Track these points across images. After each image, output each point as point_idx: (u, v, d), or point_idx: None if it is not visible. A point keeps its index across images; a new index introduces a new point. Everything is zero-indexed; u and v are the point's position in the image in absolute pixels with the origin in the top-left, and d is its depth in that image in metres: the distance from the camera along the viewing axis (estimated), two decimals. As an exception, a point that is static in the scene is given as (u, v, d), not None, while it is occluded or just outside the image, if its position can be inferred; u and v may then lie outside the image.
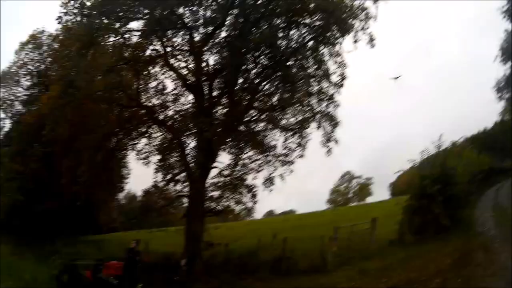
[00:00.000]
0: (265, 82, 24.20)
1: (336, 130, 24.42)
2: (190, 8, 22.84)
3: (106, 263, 15.99)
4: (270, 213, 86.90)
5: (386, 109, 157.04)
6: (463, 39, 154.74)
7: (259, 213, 60.89)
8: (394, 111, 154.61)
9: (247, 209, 26.21)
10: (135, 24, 22.57)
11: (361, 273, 15.65)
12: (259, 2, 22.90)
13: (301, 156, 25.44)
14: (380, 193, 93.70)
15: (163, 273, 18.33)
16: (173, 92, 25.43)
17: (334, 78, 24.00)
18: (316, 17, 22.40)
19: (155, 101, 25.59)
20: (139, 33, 22.73)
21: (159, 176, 24.66)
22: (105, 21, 21.05)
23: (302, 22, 22.96)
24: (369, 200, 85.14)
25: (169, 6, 21.53)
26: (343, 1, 22.38)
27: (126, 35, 22.79)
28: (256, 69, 24.03)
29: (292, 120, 25.83)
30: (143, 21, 22.23)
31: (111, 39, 22.43)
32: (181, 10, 22.84)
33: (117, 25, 21.73)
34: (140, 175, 27.71)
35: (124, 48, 23.05)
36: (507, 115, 43.55)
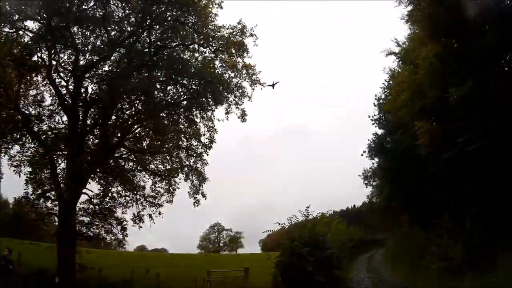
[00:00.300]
0: (136, 126, 24.82)
1: (204, 185, 25.55)
2: (83, 30, 23.05)
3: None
4: (142, 248, 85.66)
5: (259, 175, 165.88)
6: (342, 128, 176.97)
7: (131, 245, 60.36)
8: (268, 178, 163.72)
9: (118, 240, 25.64)
10: (31, 24, 22.09)
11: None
12: (145, 50, 23.98)
13: (169, 201, 25.99)
14: (250, 248, 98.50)
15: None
16: (50, 107, 24.48)
17: (204, 139, 25.41)
18: (194, 81, 23.89)
19: (32, 110, 24.42)
20: (31, 34, 22.16)
21: (30, 188, 23.24)
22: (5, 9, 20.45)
23: (180, 81, 24.30)
24: (241, 251, 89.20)
25: (65, 20, 21.57)
26: (223, 76, 24.14)
27: (20, 32, 22.14)
28: (130, 111, 24.63)
29: (161, 167, 26.64)
30: (39, 24, 21.91)
31: (6, 29, 21.64)
32: (75, 29, 22.96)
33: (16, 17, 21.11)
34: (14, 182, 25.12)
35: (15, 45, 22.06)
36: (374, 199, 50.74)
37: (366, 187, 47.99)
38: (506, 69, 18.42)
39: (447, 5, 17.76)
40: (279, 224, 24.48)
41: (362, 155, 37.46)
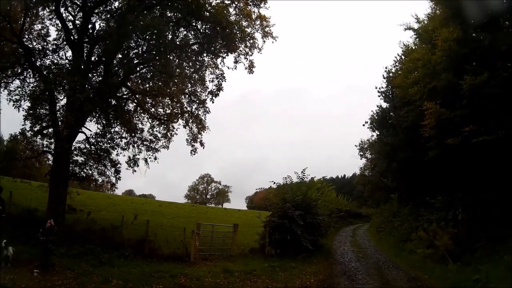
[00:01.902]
0: (142, 66, 23.94)
1: (202, 134, 25.12)
2: None
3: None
4: (129, 192, 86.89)
5: (256, 132, 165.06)
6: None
7: (119, 189, 60.55)
8: (263, 136, 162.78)
9: (110, 183, 25.12)
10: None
11: (225, 272, 16.45)
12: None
13: (166, 146, 25.61)
14: (236, 204, 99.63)
15: (28, 230, 17.19)
16: (55, 42, 23.52)
17: (211, 86, 24.74)
18: (207, 26, 23.06)
19: (36, 44, 23.42)
20: None
21: (28, 124, 22.95)
22: None
23: (194, 24, 23.47)
24: (227, 206, 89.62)
25: None
26: (239, 23, 23.19)
27: None
28: (137, 50, 23.55)
29: (161, 111, 26.22)
30: None
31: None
32: None
33: None
34: (12, 119, 24.78)
35: None
36: (367, 172, 50.27)
37: (361, 159, 48.16)
38: None
39: None
40: (274, 182, 24.50)
41: (363, 125, 37.11)
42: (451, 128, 18.27)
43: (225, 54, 23.86)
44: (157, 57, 22.50)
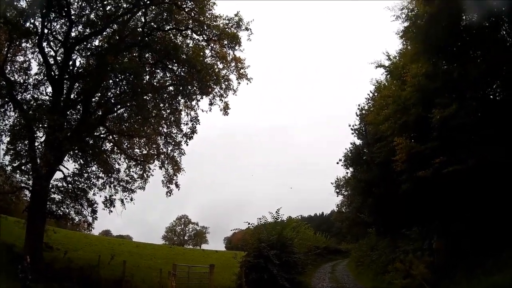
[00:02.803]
0: (119, 106, 24.18)
1: (178, 175, 25.18)
2: (80, 1, 22.55)
3: None
4: (106, 232, 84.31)
5: (233, 172, 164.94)
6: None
7: (96, 229, 58.84)
8: (244, 174, 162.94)
9: (87, 223, 24.68)
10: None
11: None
12: (138, 29, 23.51)
13: (142, 187, 25.58)
14: (214, 245, 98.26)
15: (6, 265, 16.56)
16: (36, 77, 23.56)
17: (185, 128, 24.96)
18: (183, 69, 23.55)
19: (17, 77, 23.50)
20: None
21: (7, 159, 22.41)
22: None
23: (169, 66, 24.01)
24: (205, 247, 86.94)
25: None
26: (213, 66, 23.88)
27: None
28: (115, 90, 23.99)
29: (138, 151, 26.29)
30: None
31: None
32: None
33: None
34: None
35: (10, 8, 21.07)
36: (344, 209, 50.85)
37: (337, 196, 48.53)
38: (491, 97, 18.53)
39: (444, 25, 17.81)
40: (249, 223, 24.40)
41: (337, 163, 37.56)
42: (422, 161, 18.62)
43: (200, 97, 24.34)
44: (134, 98, 22.78)
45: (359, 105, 35.27)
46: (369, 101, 33.40)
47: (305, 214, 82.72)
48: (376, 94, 31.31)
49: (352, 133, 35.71)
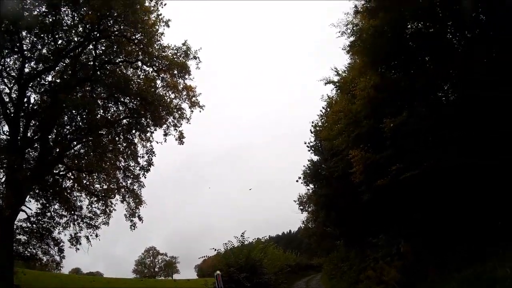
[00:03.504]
0: (76, 142, 23.81)
1: (140, 208, 24.94)
2: (32, 36, 22.19)
3: None
4: (76, 270, 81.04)
5: (198, 198, 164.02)
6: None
7: (66, 268, 55.47)
8: (209, 199, 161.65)
9: (55, 262, 24.66)
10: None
11: None
12: (90, 63, 23.15)
13: (106, 223, 25.06)
14: (186, 274, 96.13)
15: None
16: None
17: (142, 161, 24.82)
18: (135, 101, 23.40)
19: None
20: None
21: None
22: None
23: (122, 99, 23.70)
24: (176, 277, 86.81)
25: (15, 24, 20.70)
26: (164, 98, 23.88)
27: None
28: (70, 126, 23.72)
29: (98, 186, 25.66)
30: None
31: None
32: (24, 33, 21.93)
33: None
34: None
35: None
36: (310, 224, 51.04)
37: (302, 213, 48.60)
38: (443, 99, 18.88)
39: (389, 37, 18.08)
40: (215, 249, 24.05)
41: (297, 181, 37.63)
42: (379, 170, 18.49)
43: (154, 129, 24.23)
44: (89, 134, 22.51)
45: (312, 122, 35.37)
46: (322, 117, 33.43)
47: (272, 233, 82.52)
48: (328, 110, 31.38)
49: (309, 150, 35.66)
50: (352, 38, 21.52)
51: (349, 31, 21.51)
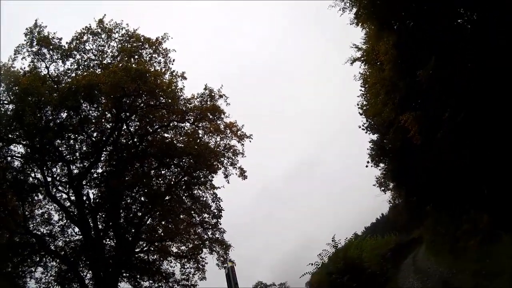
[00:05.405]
0: (146, 217, 24.43)
1: (229, 252, 24.95)
2: (65, 141, 23.18)
3: None
4: None
5: (287, 220, 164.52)
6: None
7: None
8: (294, 220, 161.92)
9: None
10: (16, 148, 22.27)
11: None
12: (129, 142, 24.01)
13: (202, 278, 25.28)
14: None
15: None
16: (60, 223, 23.92)
17: (213, 209, 24.98)
18: (184, 159, 23.92)
19: (43, 230, 23.75)
20: (20, 158, 22.33)
21: None
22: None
23: (172, 163, 24.26)
24: None
25: (47, 137, 21.66)
26: (208, 145, 24.19)
27: (8, 157, 22.16)
28: (135, 205, 24.41)
29: (184, 248, 26.04)
30: (24, 146, 22.03)
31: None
32: (58, 141, 22.94)
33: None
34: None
35: (7, 171, 22.03)
36: (396, 200, 49.49)
37: (385, 193, 46.67)
38: (467, 25, 17.61)
39: None
40: (311, 264, 23.45)
41: (366, 166, 36.30)
42: (433, 125, 17.79)
43: (211, 176, 24.56)
44: (154, 205, 23.34)
45: (357, 104, 33.98)
46: (363, 95, 32.31)
47: (367, 223, 79.49)
48: (366, 87, 30.38)
49: (366, 132, 34.78)
50: (354, 9, 20.90)
51: (348, 4, 21.00)
